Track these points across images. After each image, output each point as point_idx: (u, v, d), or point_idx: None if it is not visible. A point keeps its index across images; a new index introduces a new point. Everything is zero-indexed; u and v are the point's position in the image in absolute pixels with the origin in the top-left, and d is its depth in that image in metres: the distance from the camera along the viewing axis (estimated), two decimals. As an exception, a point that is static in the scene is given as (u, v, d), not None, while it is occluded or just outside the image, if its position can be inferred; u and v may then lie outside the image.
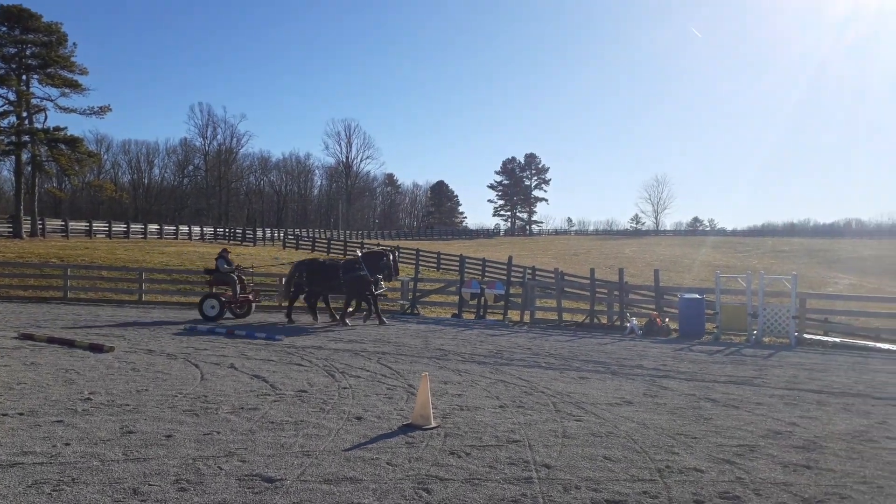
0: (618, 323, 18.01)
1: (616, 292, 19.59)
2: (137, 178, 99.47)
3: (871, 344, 15.66)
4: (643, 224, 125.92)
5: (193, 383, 8.80)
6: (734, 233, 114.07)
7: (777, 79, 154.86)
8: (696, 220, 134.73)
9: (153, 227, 54.71)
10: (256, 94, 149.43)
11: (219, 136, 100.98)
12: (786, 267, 51.70)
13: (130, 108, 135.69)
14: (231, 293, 17.71)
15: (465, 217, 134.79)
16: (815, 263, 65.85)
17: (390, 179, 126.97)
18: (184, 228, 57.56)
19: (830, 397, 8.86)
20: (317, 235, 64.36)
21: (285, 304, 18.03)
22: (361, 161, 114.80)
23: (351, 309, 17.57)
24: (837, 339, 15.73)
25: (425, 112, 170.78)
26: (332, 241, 51.63)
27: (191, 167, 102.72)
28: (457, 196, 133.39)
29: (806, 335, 15.60)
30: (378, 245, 46.74)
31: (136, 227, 52.94)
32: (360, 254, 17.90)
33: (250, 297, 18.37)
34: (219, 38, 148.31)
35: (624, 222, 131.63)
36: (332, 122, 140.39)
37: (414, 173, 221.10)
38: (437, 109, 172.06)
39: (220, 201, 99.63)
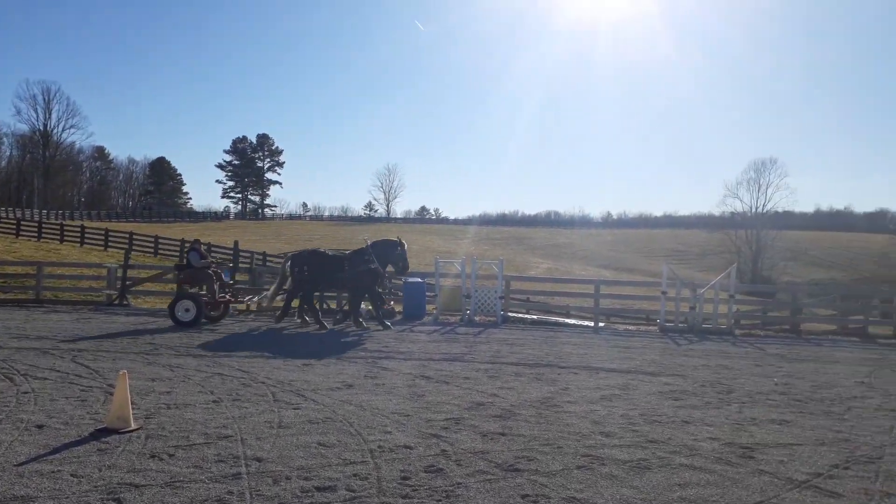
0: (347, 307, 18.22)
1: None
2: None
3: (562, 320, 17.98)
4: (376, 211, 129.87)
5: None
6: (455, 221, 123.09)
7: (505, 86, 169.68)
8: (423, 208, 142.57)
9: None
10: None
11: None
12: (497, 252, 57.06)
13: None
14: (208, 293, 14.64)
15: (191, 198, 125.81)
16: (522, 250, 73.91)
17: (101, 153, 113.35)
18: None
19: (526, 368, 9.92)
20: (2, 214, 55.01)
21: (275, 305, 15.39)
22: (63, 130, 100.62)
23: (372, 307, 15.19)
24: (536, 316, 17.77)
25: (143, 80, 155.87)
26: (22, 222, 44.49)
27: None
28: (180, 175, 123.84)
29: (511, 313, 17.33)
30: (82, 227, 41.51)
31: None
32: (368, 242, 15.12)
33: (228, 297, 15.36)
34: None
35: (358, 209, 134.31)
36: (26, 84, 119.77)
37: (130, 148, 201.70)
38: (157, 79, 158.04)
39: None
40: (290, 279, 14.94)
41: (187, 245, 15.82)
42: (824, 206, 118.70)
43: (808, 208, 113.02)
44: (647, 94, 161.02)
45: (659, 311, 17.02)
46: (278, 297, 15.51)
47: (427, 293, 17.62)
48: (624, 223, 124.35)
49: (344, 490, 4.70)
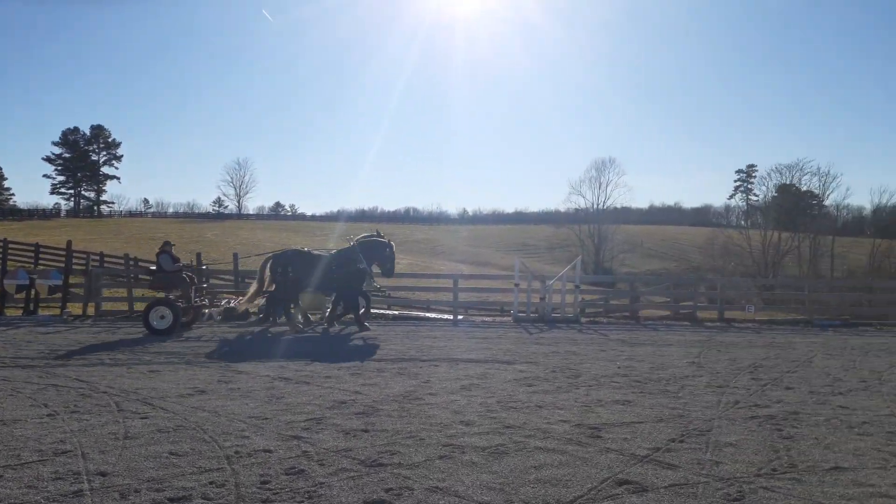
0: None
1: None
2: None
3: (423, 314, 18.23)
4: (226, 207, 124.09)
5: None
6: (313, 217, 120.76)
7: (362, 81, 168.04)
8: (278, 204, 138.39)
9: None
10: None
11: None
12: (357, 249, 56.73)
13: None
14: (183, 298, 13.91)
15: (13, 195, 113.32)
16: (381, 246, 73.81)
17: None
18: None
19: (388, 364, 9.96)
20: None
21: (249, 308, 14.97)
22: None
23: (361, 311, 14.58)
24: (397, 312, 17.90)
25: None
26: None
27: None
28: (0, 169, 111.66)
29: (372, 310, 17.30)
30: None
31: None
32: (353, 242, 14.42)
33: (202, 301, 14.76)
34: None
35: (207, 205, 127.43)
36: None
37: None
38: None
39: None
40: (269, 281, 14.32)
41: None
42: (657, 203, 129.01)
43: (644, 204, 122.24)
44: (499, 93, 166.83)
45: (512, 303, 17.72)
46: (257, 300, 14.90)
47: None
48: (479, 219, 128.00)
49: (200, 499, 4.47)
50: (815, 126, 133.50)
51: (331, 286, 14.33)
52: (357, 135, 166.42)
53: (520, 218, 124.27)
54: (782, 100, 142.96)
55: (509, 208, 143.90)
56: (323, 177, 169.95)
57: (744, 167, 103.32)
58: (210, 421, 6.49)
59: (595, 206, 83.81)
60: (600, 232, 78.74)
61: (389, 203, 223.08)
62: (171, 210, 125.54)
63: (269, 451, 5.52)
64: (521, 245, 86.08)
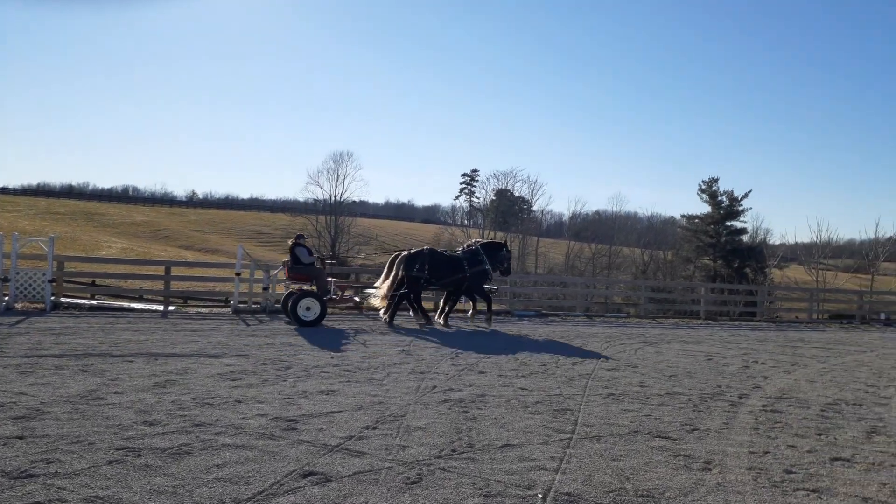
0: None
1: None
2: None
3: (127, 304, 16.55)
4: None
5: None
6: (5, 191, 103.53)
7: (61, 40, 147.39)
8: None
9: None
10: None
11: None
12: (61, 229, 50.19)
13: None
14: (320, 290, 14.12)
15: None
16: (92, 227, 66.25)
17: None
18: None
19: (71, 360, 8.78)
20: None
21: (382, 305, 15.06)
22: None
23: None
24: (96, 302, 16.03)
25: None
26: None
27: None
28: None
29: (64, 299, 15.31)
30: None
31: None
32: (477, 243, 15.78)
33: (335, 296, 15.02)
34: None
35: None
36: None
37: None
38: None
39: None
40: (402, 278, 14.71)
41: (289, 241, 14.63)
42: (392, 199, 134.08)
43: (380, 200, 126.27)
44: (236, 80, 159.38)
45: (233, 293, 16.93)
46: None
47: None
48: (210, 203, 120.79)
49: None
50: (528, 137, 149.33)
51: (455, 284, 15.06)
52: (58, 98, 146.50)
53: (255, 205, 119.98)
54: (503, 109, 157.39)
55: (244, 194, 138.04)
56: (17, 143, 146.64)
57: (469, 171, 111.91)
58: None
59: (333, 197, 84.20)
60: (336, 223, 79.32)
61: (103, 179, 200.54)
62: None
63: None
64: (255, 233, 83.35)
